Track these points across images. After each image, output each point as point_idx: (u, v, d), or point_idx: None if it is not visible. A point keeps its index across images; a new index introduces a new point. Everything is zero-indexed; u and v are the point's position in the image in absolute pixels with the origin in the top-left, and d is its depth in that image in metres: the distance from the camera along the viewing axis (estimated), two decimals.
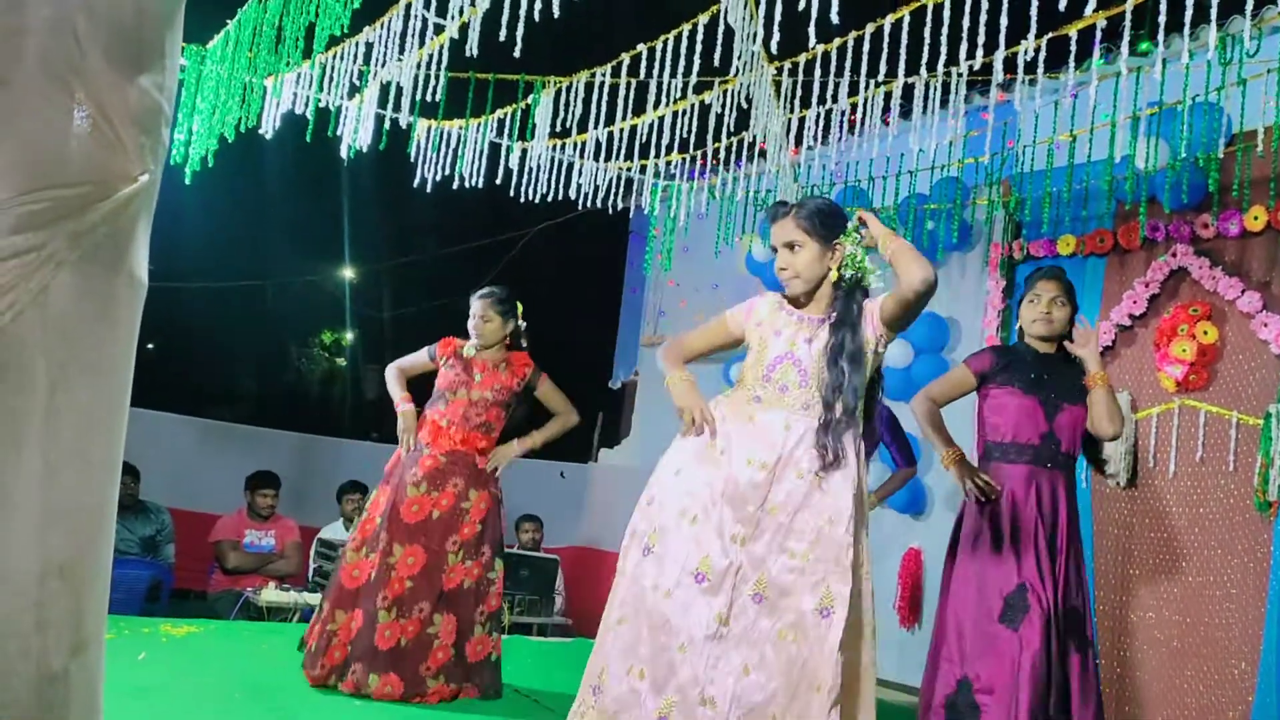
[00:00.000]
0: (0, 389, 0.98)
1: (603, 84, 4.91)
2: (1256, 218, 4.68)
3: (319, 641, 4.23)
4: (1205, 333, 4.81)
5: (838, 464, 2.70)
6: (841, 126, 4.85)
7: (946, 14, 3.50)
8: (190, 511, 7.67)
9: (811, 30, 3.38)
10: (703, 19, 4.24)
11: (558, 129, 5.20)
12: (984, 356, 3.88)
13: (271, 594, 6.07)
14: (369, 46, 4.65)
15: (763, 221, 3.03)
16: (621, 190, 5.96)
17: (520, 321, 4.56)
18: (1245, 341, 4.73)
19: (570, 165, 5.66)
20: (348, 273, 12.79)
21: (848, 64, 4.21)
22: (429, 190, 5.35)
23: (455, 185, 5.39)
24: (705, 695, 2.56)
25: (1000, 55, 3.48)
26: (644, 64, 4.58)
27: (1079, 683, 3.53)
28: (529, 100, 5.15)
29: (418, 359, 4.61)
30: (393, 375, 4.60)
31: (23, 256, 0.98)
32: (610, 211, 5.98)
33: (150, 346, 13.92)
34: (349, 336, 15.93)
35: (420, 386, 4.60)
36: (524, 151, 5.47)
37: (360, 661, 4.14)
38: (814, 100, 4.68)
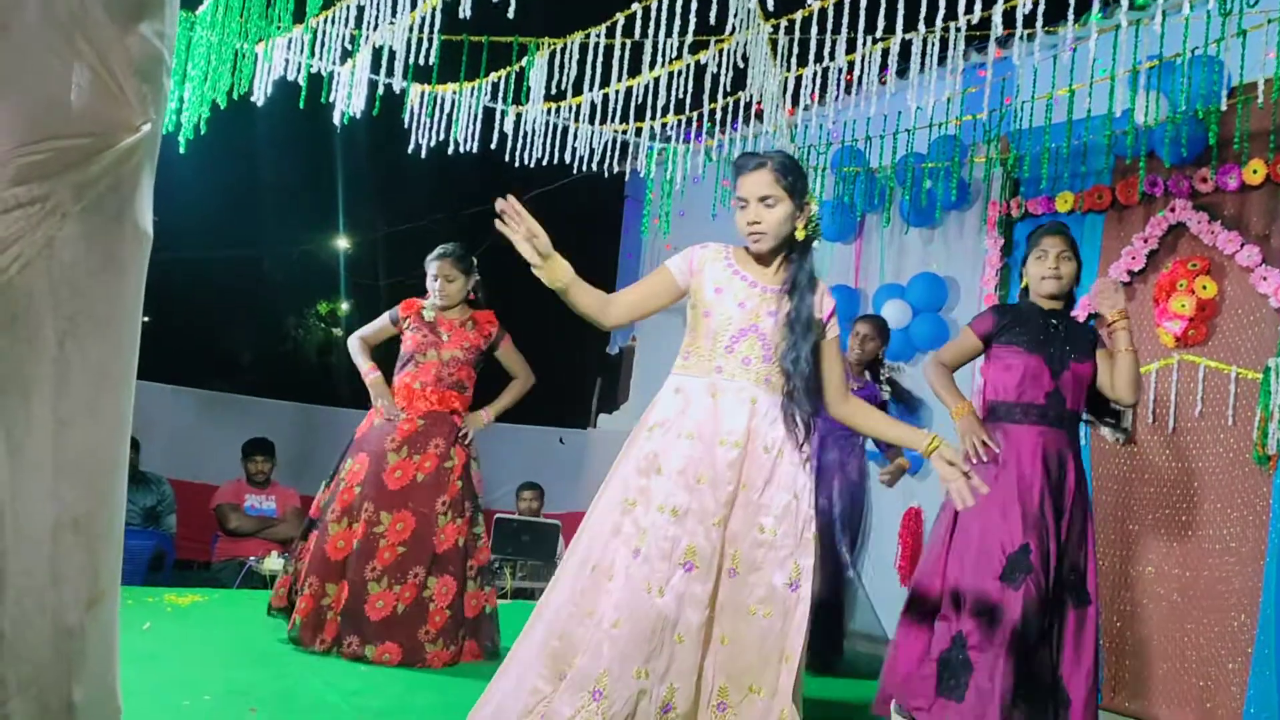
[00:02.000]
0: (8, 341, 0.97)
1: (597, 45, 4.87)
2: (1256, 171, 4.66)
3: (312, 616, 4.23)
4: (1204, 287, 4.80)
5: (808, 436, 2.72)
6: (838, 85, 4.82)
7: None
8: (190, 482, 7.69)
9: None
10: None
11: (552, 92, 5.16)
12: (986, 318, 3.81)
13: (274, 563, 6.09)
14: (360, 10, 4.61)
15: (732, 175, 2.88)
16: (617, 154, 5.93)
17: (476, 276, 4.54)
18: (1244, 295, 4.73)
19: (565, 129, 5.63)
20: (342, 242, 12.73)
21: (844, 21, 4.18)
22: (423, 156, 5.31)
23: (450, 150, 5.35)
24: (701, 671, 2.63)
25: (999, 10, 3.45)
26: (639, 24, 4.54)
27: (1073, 640, 3.54)
28: (523, 63, 5.11)
29: (379, 324, 4.56)
30: (356, 346, 4.53)
31: (27, 208, 0.97)
32: (606, 175, 5.95)
33: (147, 319, 13.85)
34: (344, 306, 15.89)
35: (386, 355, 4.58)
36: (519, 115, 5.44)
37: (354, 634, 4.16)
38: (810, 58, 4.64)
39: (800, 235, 2.79)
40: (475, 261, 4.52)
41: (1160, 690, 4.79)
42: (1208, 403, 4.81)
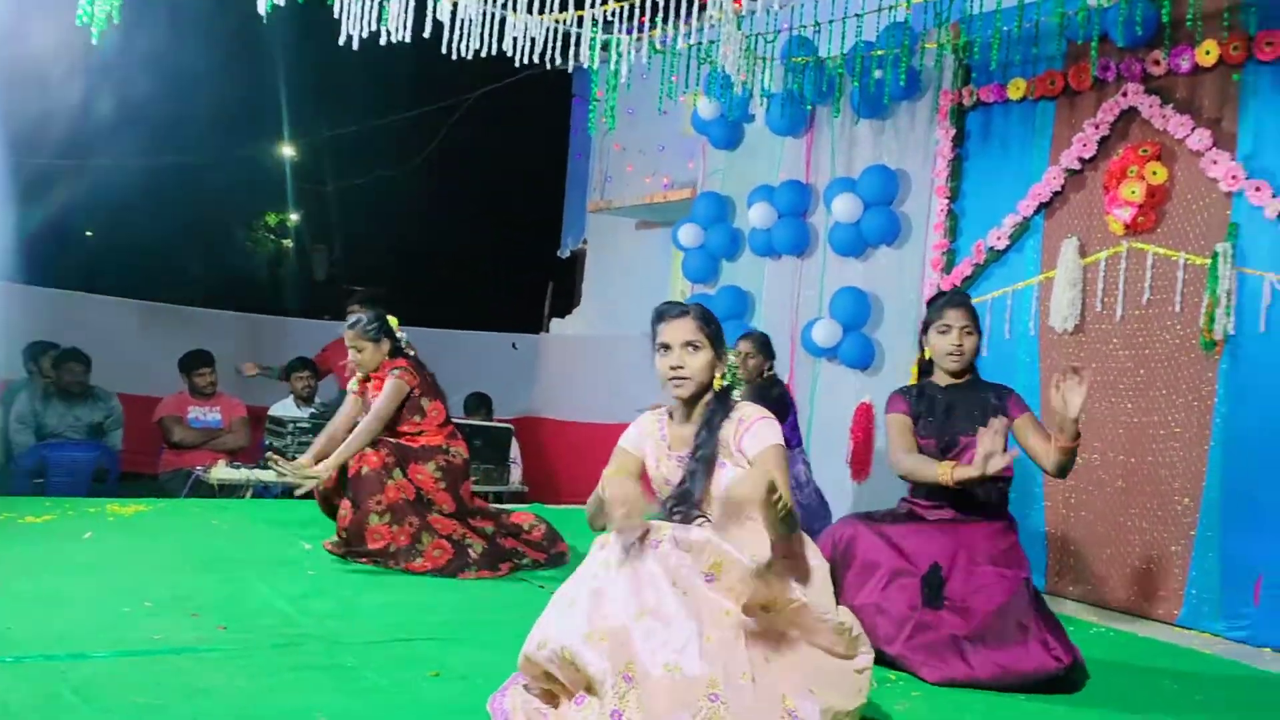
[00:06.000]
0: None
1: None
2: (1208, 52, 4.58)
3: None
4: (1154, 173, 4.75)
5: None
6: None
7: None
8: (137, 395, 7.55)
9: None
10: None
11: None
12: (899, 401, 3.74)
13: (223, 471, 6.01)
14: None
15: (652, 321, 2.83)
16: (559, 45, 5.72)
17: (398, 334, 4.68)
18: (1194, 180, 4.69)
19: (503, 19, 5.40)
20: (286, 148, 12.35)
21: None
22: (355, 48, 5.07)
23: (383, 42, 5.11)
24: None
25: None
26: None
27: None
28: None
29: (343, 408, 4.73)
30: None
31: None
32: (549, 69, 5.73)
33: (89, 234, 13.48)
34: (294, 217, 15.54)
35: None
36: (454, 3, 5.20)
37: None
38: None
39: (718, 385, 2.78)
40: (393, 320, 4.70)
41: (1104, 574, 4.87)
42: (1155, 290, 4.81)
